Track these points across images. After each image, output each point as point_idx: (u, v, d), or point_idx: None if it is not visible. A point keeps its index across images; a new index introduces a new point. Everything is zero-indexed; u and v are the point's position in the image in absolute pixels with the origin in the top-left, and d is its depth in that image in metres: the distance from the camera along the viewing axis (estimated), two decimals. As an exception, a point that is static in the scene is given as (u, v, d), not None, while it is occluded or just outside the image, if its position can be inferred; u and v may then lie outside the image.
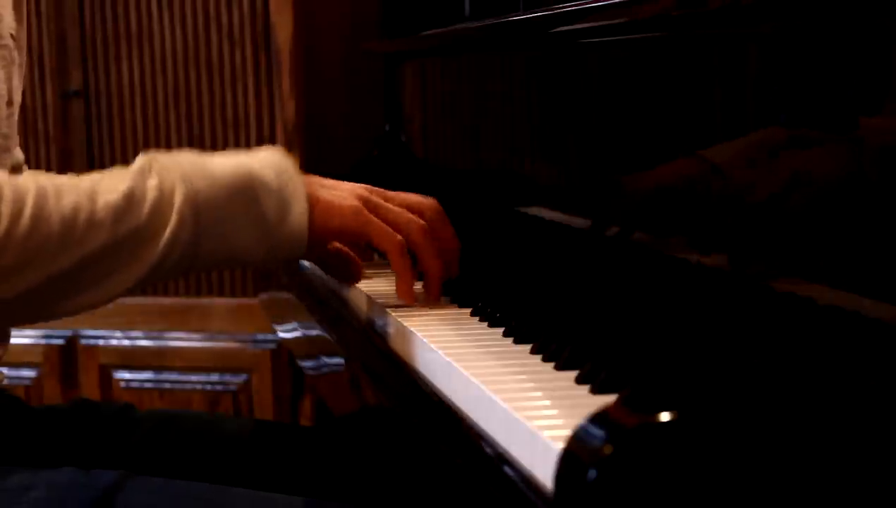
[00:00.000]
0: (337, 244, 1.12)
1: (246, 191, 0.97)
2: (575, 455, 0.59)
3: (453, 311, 1.05)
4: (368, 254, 1.22)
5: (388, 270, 1.21)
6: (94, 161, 2.44)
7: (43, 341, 2.48)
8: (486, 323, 0.99)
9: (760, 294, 0.88)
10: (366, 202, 1.03)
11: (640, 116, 1.09)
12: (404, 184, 1.84)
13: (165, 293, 2.43)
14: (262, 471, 1.19)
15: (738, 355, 0.81)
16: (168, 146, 2.40)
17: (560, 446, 0.61)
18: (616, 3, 1.08)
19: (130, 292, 0.94)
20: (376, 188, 1.08)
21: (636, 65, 1.10)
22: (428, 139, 1.83)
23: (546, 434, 0.67)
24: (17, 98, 1.05)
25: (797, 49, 0.85)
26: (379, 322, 1.07)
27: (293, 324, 1.36)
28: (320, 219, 1.00)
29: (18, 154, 1.11)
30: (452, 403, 0.84)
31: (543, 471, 0.65)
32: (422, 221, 1.05)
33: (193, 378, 2.41)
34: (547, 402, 0.75)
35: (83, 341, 2.47)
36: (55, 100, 2.44)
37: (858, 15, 0.79)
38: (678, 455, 0.57)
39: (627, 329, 0.91)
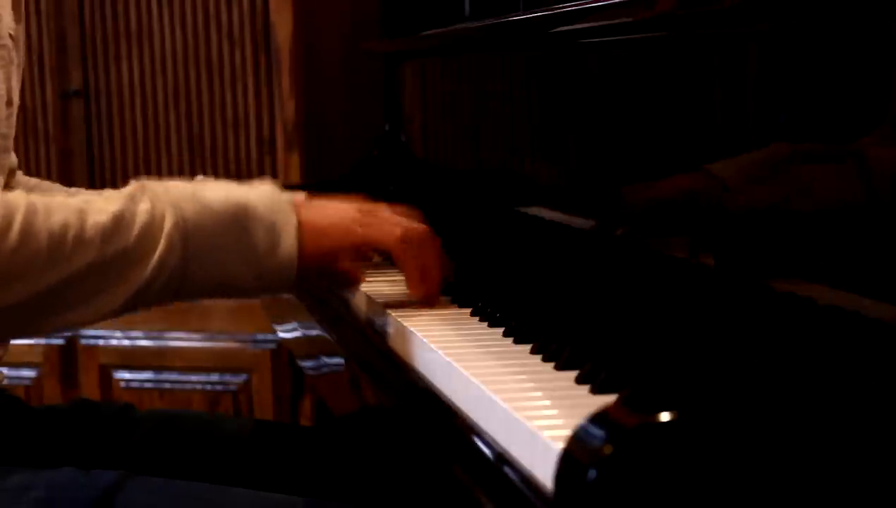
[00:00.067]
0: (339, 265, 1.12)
1: (236, 221, 0.97)
2: (575, 455, 0.59)
3: (453, 311, 1.05)
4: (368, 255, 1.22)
5: (388, 270, 1.21)
6: (93, 161, 2.44)
7: (43, 341, 2.48)
8: (486, 323, 0.99)
9: (760, 294, 0.88)
10: (357, 218, 1.04)
11: (641, 116, 1.09)
12: (404, 184, 1.85)
13: (165, 293, 2.42)
14: (262, 471, 1.19)
15: (738, 355, 0.81)
16: (168, 146, 2.40)
17: (560, 446, 0.61)
18: (616, 3, 1.08)
19: (118, 313, 0.95)
20: (367, 199, 1.08)
21: (636, 64, 1.10)
22: (428, 139, 1.83)
23: (546, 434, 0.67)
24: (16, 98, 1.05)
25: (799, 47, 0.85)
26: (379, 322, 1.07)
27: (293, 324, 1.36)
28: (312, 244, 1.00)
29: (13, 158, 1.11)
30: (452, 403, 0.84)
31: (543, 471, 0.65)
32: (419, 224, 1.06)
33: (193, 378, 2.41)
34: (547, 402, 0.75)
35: (83, 341, 2.47)
36: (55, 100, 2.44)
37: (865, 15, 0.79)
38: (678, 455, 0.57)
39: (628, 329, 0.91)
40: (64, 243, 0.91)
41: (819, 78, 0.83)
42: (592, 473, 0.56)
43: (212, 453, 1.20)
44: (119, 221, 0.93)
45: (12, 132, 1.06)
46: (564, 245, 1.24)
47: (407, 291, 1.08)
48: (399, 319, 1.00)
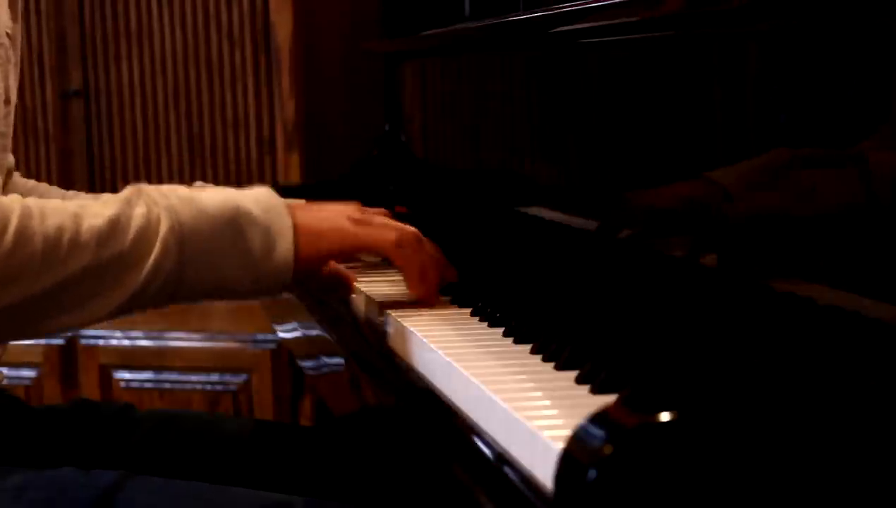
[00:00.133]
0: (329, 267, 1.12)
1: (232, 224, 0.97)
2: (575, 455, 0.59)
3: (453, 311, 1.05)
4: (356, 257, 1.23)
5: (388, 270, 1.21)
6: (93, 161, 2.44)
7: (43, 341, 2.48)
8: (486, 323, 0.99)
9: (760, 294, 0.88)
10: (353, 221, 1.04)
11: (641, 116, 1.09)
12: (404, 184, 1.85)
13: (165, 293, 2.43)
14: (262, 471, 1.19)
15: (738, 355, 0.81)
16: (168, 146, 2.40)
17: (560, 446, 0.61)
18: (617, 2, 1.08)
19: (112, 316, 0.95)
20: (363, 206, 1.08)
21: (636, 64, 1.10)
22: (428, 139, 1.83)
23: (546, 434, 0.67)
24: (14, 97, 1.05)
25: (804, 49, 0.85)
26: (379, 322, 1.07)
27: (293, 324, 1.36)
28: (307, 247, 1.01)
29: (10, 158, 1.11)
30: (452, 403, 0.84)
31: (543, 471, 0.65)
32: (413, 228, 1.06)
33: (193, 378, 2.41)
34: (547, 402, 0.75)
35: (83, 341, 2.47)
36: (55, 100, 2.44)
37: (869, 17, 0.79)
38: (678, 455, 0.57)
39: (628, 329, 0.91)
40: (59, 247, 0.91)
41: (819, 81, 0.83)
42: (592, 473, 0.56)
43: (212, 453, 1.20)
44: (115, 225, 0.93)
45: (10, 131, 1.06)
46: (564, 245, 1.24)
47: (407, 291, 1.08)
48: (399, 319, 1.00)
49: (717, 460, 0.57)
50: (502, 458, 0.71)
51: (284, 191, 1.07)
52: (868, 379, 0.68)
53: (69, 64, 2.43)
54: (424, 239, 1.07)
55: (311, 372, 1.35)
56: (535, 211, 1.34)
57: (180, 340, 2.42)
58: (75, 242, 0.92)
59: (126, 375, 2.46)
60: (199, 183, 1.03)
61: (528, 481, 0.67)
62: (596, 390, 0.76)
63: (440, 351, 0.89)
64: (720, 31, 0.96)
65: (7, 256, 0.89)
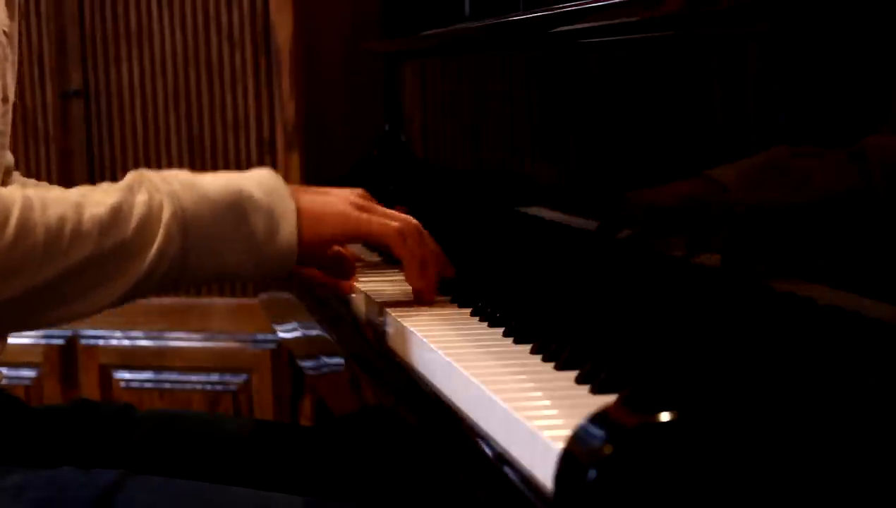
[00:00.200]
0: (332, 250, 1.12)
1: (234, 209, 0.97)
2: (575, 455, 0.59)
3: (453, 311, 1.05)
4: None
5: (388, 270, 1.21)
6: (93, 161, 2.44)
7: (43, 341, 2.48)
8: (486, 323, 0.99)
9: (760, 294, 0.88)
10: (357, 206, 1.04)
11: (641, 116, 1.09)
12: (404, 184, 1.85)
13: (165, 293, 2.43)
14: (262, 471, 1.19)
15: (739, 355, 0.81)
16: (168, 146, 2.40)
17: (560, 446, 0.61)
18: (616, 3, 1.08)
19: (116, 305, 0.95)
20: (368, 194, 1.08)
21: (636, 64, 1.10)
22: (428, 139, 1.83)
23: (546, 434, 0.67)
24: (11, 95, 1.05)
25: (803, 48, 0.85)
26: (378, 322, 1.07)
27: (293, 324, 1.36)
28: (310, 230, 1.01)
29: (9, 157, 1.11)
30: (452, 403, 0.84)
31: (543, 471, 0.65)
32: (415, 220, 1.06)
33: (193, 378, 2.41)
34: (547, 402, 0.75)
35: (83, 341, 2.47)
36: (55, 100, 2.44)
37: (871, 16, 0.79)
38: (678, 456, 0.57)
39: (628, 329, 0.91)
40: (61, 237, 0.91)
41: (819, 80, 0.83)
42: (592, 473, 0.56)
43: (212, 453, 1.20)
44: (117, 214, 0.93)
45: (8, 129, 1.06)
46: (564, 245, 1.24)
47: (406, 291, 1.08)
48: (399, 319, 1.00)
49: (717, 460, 0.57)
50: (502, 458, 0.71)
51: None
52: (868, 379, 0.68)
53: (69, 64, 2.43)
54: (425, 232, 1.07)
55: (311, 372, 1.35)
56: (535, 211, 1.34)
57: (180, 340, 2.42)
58: (77, 232, 0.91)
59: (126, 375, 2.46)
60: None
61: (528, 481, 0.67)
62: (596, 390, 0.76)
63: (440, 351, 0.89)
64: (720, 31, 0.96)
65: (9, 248, 0.89)
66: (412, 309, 1.05)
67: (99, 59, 2.42)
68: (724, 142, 0.96)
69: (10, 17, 1.06)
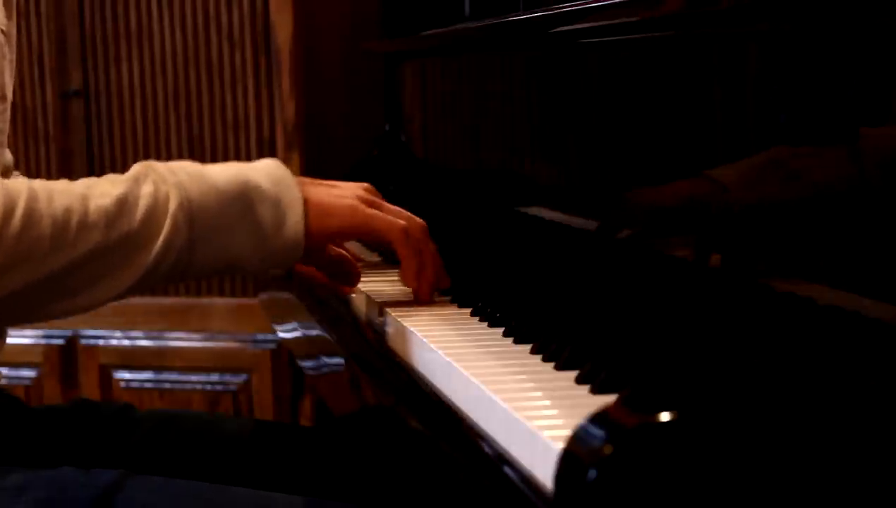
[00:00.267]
0: (336, 249, 1.12)
1: (241, 199, 0.97)
2: (575, 455, 0.59)
3: (453, 311, 1.05)
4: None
5: (388, 270, 1.21)
6: (93, 161, 2.44)
7: (43, 341, 2.48)
8: (486, 323, 0.99)
9: (760, 294, 0.88)
10: (364, 201, 1.04)
11: (641, 116, 1.09)
12: (404, 184, 1.85)
13: (165, 293, 2.43)
14: (262, 471, 1.19)
15: (739, 355, 0.81)
16: (168, 146, 2.40)
17: (560, 446, 0.61)
18: (616, 3, 1.08)
19: (124, 296, 0.95)
20: (375, 189, 1.08)
21: (636, 64, 1.10)
22: (428, 139, 1.83)
23: (546, 434, 0.67)
24: (9, 94, 1.05)
25: (803, 48, 0.85)
26: (379, 322, 1.07)
27: (293, 324, 1.36)
28: (317, 222, 1.00)
29: (8, 155, 1.11)
30: (452, 403, 0.83)
31: (543, 471, 0.65)
32: (421, 220, 1.06)
33: (193, 378, 2.41)
34: (547, 402, 0.75)
35: (83, 341, 2.47)
36: (55, 100, 2.44)
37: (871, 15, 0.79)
38: (678, 456, 0.57)
39: (627, 329, 0.91)
40: (67, 228, 0.91)
41: (819, 80, 0.83)
42: (592, 473, 0.56)
43: (212, 453, 1.20)
44: (123, 204, 0.93)
45: (6, 128, 1.06)
46: (564, 245, 1.24)
47: (407, 291, 1.08)
48: (399, 319, 1.00)
49: (717, 460, 0.57)
50: (502, 458, 0.71)
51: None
52: (868, 379, 0.68)
53: (69, 64, 2.43)
54: (427, 235, 1.07)
55: (311, 372, 1.35)
56: (535, 211, 1.34)
57: (180, 340, 2.42)
58: (84, 223, 0.91)
59: (126, 375, 2.46)
60: None
61: (528, 481, 0.67)
62: (596, 390, 0.76)
63: (440, 351, 0.89)
64: (720, 31, 0.96)
65: (15, 239, 0.89)
66: (412, 309, 1.05)
67: (99, 58, 2.42)
68: (724, 142, 0.96)
69: (8, 16, 1.06)
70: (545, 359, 0.85)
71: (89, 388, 2.46)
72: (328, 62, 2.41)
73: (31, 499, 0.99)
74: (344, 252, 1.14)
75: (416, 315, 1.02)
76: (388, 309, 1.04)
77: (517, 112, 1.39)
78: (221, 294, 2.40)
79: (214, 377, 2.39)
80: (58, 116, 2.45)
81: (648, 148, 1.08)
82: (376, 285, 1.17)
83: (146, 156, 2.40)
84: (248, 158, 2.34)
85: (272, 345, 2.35)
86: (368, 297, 1.12)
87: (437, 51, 1.73)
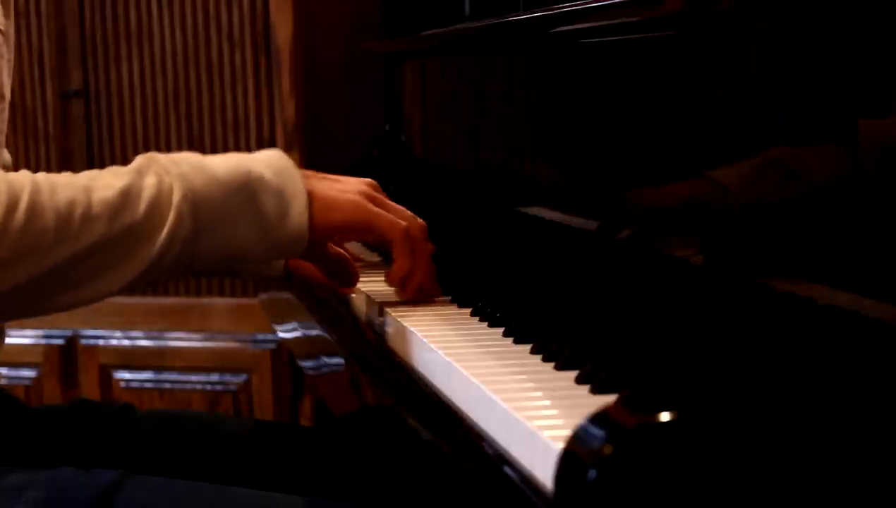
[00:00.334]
0: (336, 248, 1.12)
1: (244, 190, 0.97)
2: (575, 455, 0.59)
3: (453, 311, 1.05)
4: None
5: (387, 270, 1.20)
6: (94, 161, 2.44)
7: (43, 341, 2.48)
8: (486, 323, 0.99)
9: (760, 294, 0.88)
10: (368, 197, 1.04)
11: (641, 116, 1.09)
12: (404, 184, 1.85)
13: (165, 293, 2.43)
14: (262, 471, 1.19)
15: (738, 355, 0.81)
16: (168, 146, 2.40)
17: (560, 446, 0.61)
18: (616, 3, 1.08)
19: (128, 289, 0.94)
20: (378, 186, 1.08)
21: (636, 64, 1.10)
22: (428, 139, 1.83)
23: (546, 434, 0.67)
24: (7, 93, 1.04)
25: (803, 48, 0.85)
26: (379, 322, 1.07)
27: (293, 324, 1.36)
28: (321, 214, 1.00)
29: (6, 155, 1.11)
30: (452, 403, 0.83)
31: (543, 471, 0.65)
32: (422, 221, 1.06)
33: (193, 378, 2.41)
34: (547, 402, 0.75)
35: (83, 341, 2.47)
36: (55, 100, 2.44)
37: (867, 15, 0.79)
38: (678, 456, 0.57)
39: (628, 329, 0.91)
40: (71, 221, 0.90)
41: (819, 80, 0.83)
42: (592, 473, 0.56)
43: (212, 453, 1.20)
44: (126, 196, 0.92)
45: (4, 127, 1.06)
46: (564, 245, 1.24)
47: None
48: (399, 319, 1.00)
49: (717, 460, 0.57)
50: (502, 458, 0.71)
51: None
52: (868, 379, 0.68)
53: (69, 64, 2.43)
54: (426, 240, 1.07)
55: (311, 372, 1.35)
56: (535, 211, 1.34)
57: (180, 340, 2.42)
58: (87, 216, 0.91)
59: (126, 375, 2.46)
60: None
61: (528, 481, 0.67)
62: (596, 390, 0.76)
63: (440, 351, 0.89)
64: (720, 31, 0.96)
65: (20, 233, 0.89)
66: (412, 308, 1.05)
67: (99, 58, 2.42)
68: (724, 143, 0.96)
69: (6, 14, 1.06)
70: (545, 359, 0.85)
71: (89, 388, 2.46)
72: (328, 62, 2.41)
73: (30, 499, 0.99)
74: (343, 251, 1.14)
75: (416, 315, 1.02)
76: (388, 309, 1.04)
77: (517, 112, 1.39)
78: (221, 294, 2.41)
79: (214, 377, 2.40)
80: (58, 116, 2.45)
81: (648, 148, 1.08)
82: (376, 285, 1.17)
83: (146, 156, 2.40)
84: (248, 158, 2.35)
85: (272, 345, 2.35)
86: (368, 297, 1.12)
87: (437, 51, 1.73)
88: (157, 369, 2.43)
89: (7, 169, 1.19)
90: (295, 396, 2.38)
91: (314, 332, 1.22)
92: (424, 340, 0.93)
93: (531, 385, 0.79)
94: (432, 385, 0.89)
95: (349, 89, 2.40)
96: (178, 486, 1.05)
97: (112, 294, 0.94)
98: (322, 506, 1.08)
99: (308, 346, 1.30)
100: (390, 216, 1.04)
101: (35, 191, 0.90)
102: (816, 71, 0.83)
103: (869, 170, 0.77)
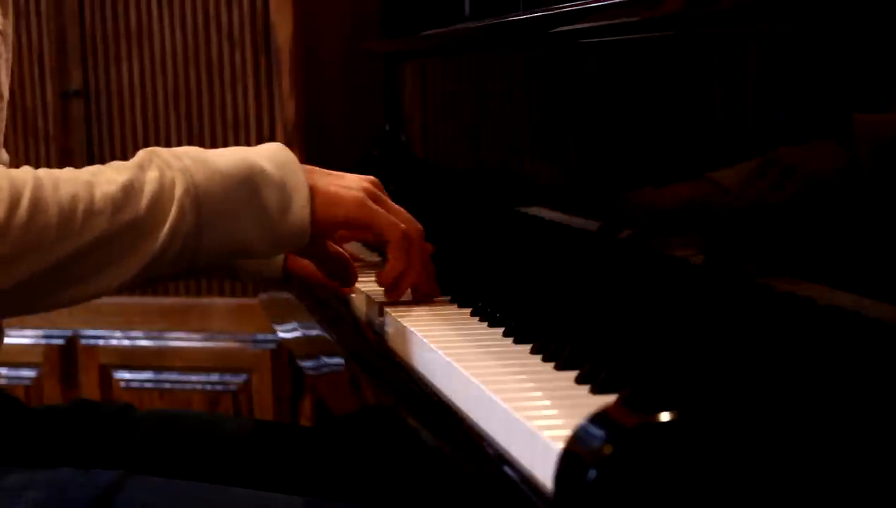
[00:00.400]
0: (335, 247, 1.12)
1: (247, 184, 0.96)
2: (575, 455, 0.59)
3: (453, 311, 1.05)
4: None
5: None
6: (94, 161, 2.43)
7: (43, 341, 2.48)
8: (486, 323, 0.99)
9: (760, 294, 0.88)
10: (370, 194, 1.04)
11: (640, 116, 1.09)
12: (404, 184, 1.85)
13: (165, 293, 2.43)
14: (262, 471, 1.19)
15: (738, 355, 0.81)
16: (168, 146, 2.39)
17: (560, 446, 0.61)
18: (616, 3, 1.08)
19: (131, 284, 0.94)
20: (380, 184, 1.08)
21: (636, 64, 1.10)
22: (428, 139, 1.83)
23: (546, 434, 0.67)
24: (6, 93, 1.04)
25: (800, 48, 0.85)
26: (378, 322, 1.07)
27: (293, 324, 1.36)
28: (323, 209, 1.00)
29: (4, 155, 1.11)
30: (452, 403, 0.83)
31: (543, 471, 0.65)
32: (420, 225, 1.06)
33: (193, 378, 2.41)
34: (547, 402, 0.75)
35: (83, 341, 2.47)
36: (55, 100, 2.45)
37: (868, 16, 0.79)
38: (678, 456, 0.57)
39: (628, 329, 0.91)
40: (74, 216, 0.90)
41: (819, 80, 0.83)
42: (592, 473, 0.56)
43: (212, 453, 1.20)
44: (128, 191, 0.92)
45: (2, 126, 1.05)
46: (564, 245, 1.24)
47: (406, 291, 1.08)
48: (399, 319, 1.00)
49: (717, 460, 0.57)
50: (502, 458, 0.71)
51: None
52: (868, 379, 0.68)
53: (69, 64, 2.43)
54: (424, 244, 1.07)
55: (311, 372, 1.35)
56: (535, 211, 1.34)
57: (180, 340, 2.42)
58: (90, 211, 0.91)
59: (126, 375, 2.46)
60: None
61: (528, 481, 0.67)
62: (596, 390, 0.76)
63: (440, 351, 0.89)
64: (720, 31, 0.96)
65: (23, 229, 0.88)
66: (412, 309, 1.05)
67: (99, 58, 2.42)
68: (724, 143, 0.96)
69: (4, 14, 1.06)
70: (545, 359, 0.85)
71: (89, 388, 2.46)
72: (328, 62, 2.41)
73: (30, 499, 0.99)
74: (342, 251, 1.14)
75: (416, 315, 1.02)
76: (388, 309, 1.04)
77: (517, 112, 1.39)
78: (221, 294, 2.41)
79: (214, 377, 2.40)
80: (58, 116, 2.45)
81: (648, 148, 1.08)
82: (376, 285, 1.17)
83: (146, 156, 2.40)
84: (248, 158, 2.35)
85: (272, 345, 2.35)
86: (368, 297, 1.12)
87: (437, 51, 1.73)
88: (157, 369, 2.43)
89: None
90: (295, 396, 2.38)
91: (314, 332, 1.22)
92: (424, 340, 0.93)
93: (531, 385, 0.79)
94: (432, 385, 0.89)
95: (349, 89, 2.40)
96: (178, 486, 1.05)
97: (114, 289, 0.94)
98: (322, 506, 1.08)
99: (308, 346, 1.30)
100: (390, 217, 1.04)
101: (37, 187, 0.89)
102: (817, 71, 0.83)
103: (870, 171, 0.77)
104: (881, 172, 0.76)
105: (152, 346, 2.43)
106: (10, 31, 1.08)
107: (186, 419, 1.26)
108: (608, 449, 0.57)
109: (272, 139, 2.33)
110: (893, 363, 0.73)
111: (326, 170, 1.05)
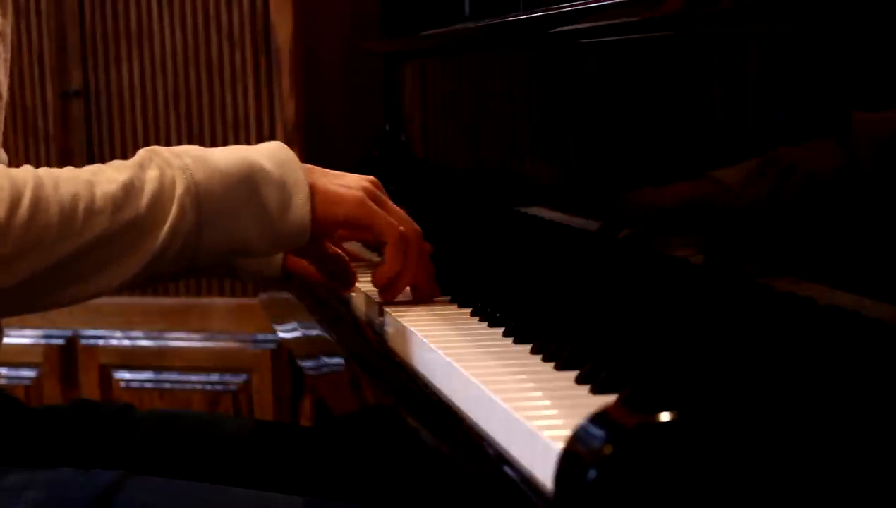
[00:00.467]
0: (334, 247, 1.12)
1: (247, 182, 0.97)
2: (575, 455, 0.59)
3: (453, 311, 1.05)
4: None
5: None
6: (94, 161, 2.43)
7: (43, 341, 2.48)
8: (486, 323, 0.99)
9: (760, 294, 0.88)
10: (370, 194, 1.04)
11: (640, 116, 1.09)
12: (404, 184, 1.85)
13: (165, 293, 2.43)
14: (262, 471, 1.19)
15: (739, 355, 0.81)
16: (168, 146, 2.39)
17: (560, 446, 0.61)
18: (616, 3, 1.08)
19: (131, 283, 0.94)
20: (380, 184, 1.08)
21: (636, 64, 1.10)
22: (428, 139, 1.83)
23: (546, 434, 0.67)
24: (5, 92, 1.05)
25: (800, 48, 0.85)
26: (378, 322, 1.07)
27: (293, 324, 1.36)
28: (323, 208, 1.00)
29: (3, 154, 1.11)
30: (452, 403, 0.83)
31: (543, 471, 0.65)
32: (418, 227, 1.06)
33: (193, 378, 2.41)
34: (547, 402, 0.75)
35: (83, 341, 2.47)
36: (55, 100, 2.44)
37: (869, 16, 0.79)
38: (678, 456, 0.57)
39: (628, 329, 0.91)
40: (75, 215, 0.90)
41: (820, 80, 0.83)
42: (592, 473, 0.56)
43: (212, 453, 1.20)
44: (129, 190, 0.92)
45: (1, 126, 1.05)
46: (564, 245, 1.24)
47: (406, 291, 1.08)
48: (399, 319, 1.00)
49: (718, 460, 0.57)
50: (502, 458, 0.71)
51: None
52: (868, 379, 0.68)
53: (69, 64, 2.43)
54: (422, 246, 1.06)
55: (311, 372, 1.35)
56: (535, 211, 1.34)
57: (180, 340, 2.42)
58: (90, 210, 0.91)
59: (126, 375, 2.46)
60: None
61: (528, 481, 0.67)
62: (596, 390, 0.76)
63: (440, 351, 0.89)
64: (720, 31, 0.96)
65: (24, 228, 0.88)
66: (412, 308, 1.05)
67: (99, 58, 2.42)
68: (725, 142, 0.96)
69: (4, 14, 1.06)
70: (545, 359, 0.85)
71: (89, 388, 2.46)
72: (328, 62, 2.41)
73: (30, 499, 0.99)
74: (341, 251, 1.14)
75: (416, 315, 1.02)
76: (388, 309, 1.04)
77: (517, 112, 1.39)
78: (221, 294, 2.41)
79: (214, 377, 2.40)
80: (58, 116, 2.45)
81: (648, 148, 1.08)
82: (376, 285, 1.17)
83: (146, 156, 2.40)
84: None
85: (272, 345, 2.35)
86: (368, 297, 1.12)
87: (437, 51, 1.73)
88: (157, 369, 2.43)
89: None
90: (295, 396, 2.38)
91: (314, 332, 1.22)
92: (424, 340, 0.93)
93: (531, 385, 0.79)
94: (432, 385, 0.89)
95: (349, 89, 2.40)
96: (178, 486, 1.05)
97: (115, 288, 0.94)
98: (322, 506, 1.08)
99: (308, 346, 1.30)
100: (389, 218, 1.04)
101: (38, 186, 0.90)
102: (817, 71, 0.83)
103: (870, 171, 0.77)
104: (881, 171, 0.76)
105: (152, 346, 2.43)
106: (9, 30, 1.08)
107: (186, 419, 1.26)
108: (608, 449, 0.57)
109: (272, 139, 2.31)
110: (893, 363, 0.73)
111: (326, 170, 1.05)
